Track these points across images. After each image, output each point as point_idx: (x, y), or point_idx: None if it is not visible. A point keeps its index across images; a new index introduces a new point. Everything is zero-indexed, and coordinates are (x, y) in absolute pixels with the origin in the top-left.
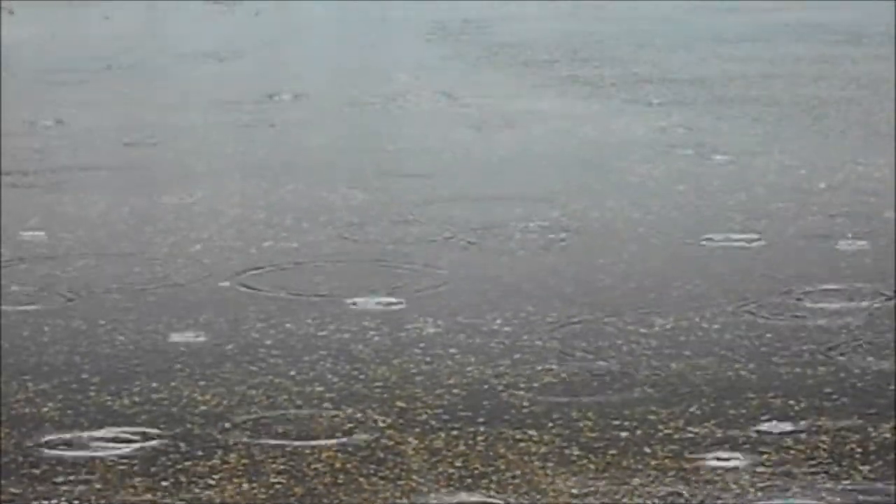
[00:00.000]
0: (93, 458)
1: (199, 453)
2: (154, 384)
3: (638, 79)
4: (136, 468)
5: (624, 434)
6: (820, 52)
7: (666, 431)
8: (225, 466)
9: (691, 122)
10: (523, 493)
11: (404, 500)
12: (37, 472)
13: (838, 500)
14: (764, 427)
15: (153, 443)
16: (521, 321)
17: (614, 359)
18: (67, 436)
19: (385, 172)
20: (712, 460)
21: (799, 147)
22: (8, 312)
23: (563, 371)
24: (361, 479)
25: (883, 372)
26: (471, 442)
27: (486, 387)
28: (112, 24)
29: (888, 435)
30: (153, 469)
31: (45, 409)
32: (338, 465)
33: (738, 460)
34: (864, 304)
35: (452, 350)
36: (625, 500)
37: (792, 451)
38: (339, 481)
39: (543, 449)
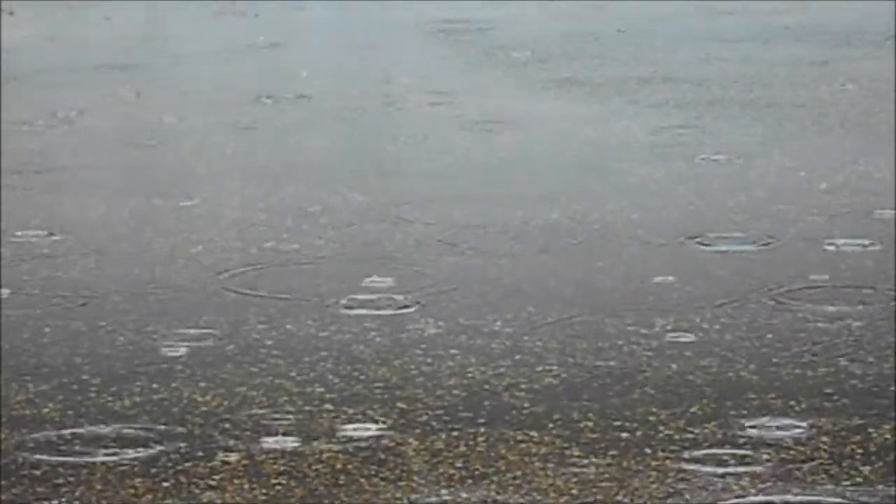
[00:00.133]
0: (93, 460)
1: (200, 454)
2: (154, 385)
3: (638, 80)
4: (136, 469)
5: (624, 435)
6: (820, 53)
7: (666, 432)
8: (225, 467)
9: (691, 124)
10: (524, 493)
11: (405, 501)
12: (37, 473)
13: (839, 501)
14: (764, 428)
15: (153, 444)
16: (521, 322)
17: (615, 360)
18: (68, 437)
19: (385, 174)
20: (713, 461)
21: (799, 148)
22: (8, 313)
23: (564, 372)
24: (362, 480)
25: (883, 373)
26: (471, 443)
27: (486, 388)
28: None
29: (889, 436)
30: (153, 470)
31: (46, 410)
32: (338, 466)
33: (738, 461)
34: (865, 305)
35: (453, 351)
36: (625, 500)
37: (792, 452)
38: (340, 482)
39: (544, 450)
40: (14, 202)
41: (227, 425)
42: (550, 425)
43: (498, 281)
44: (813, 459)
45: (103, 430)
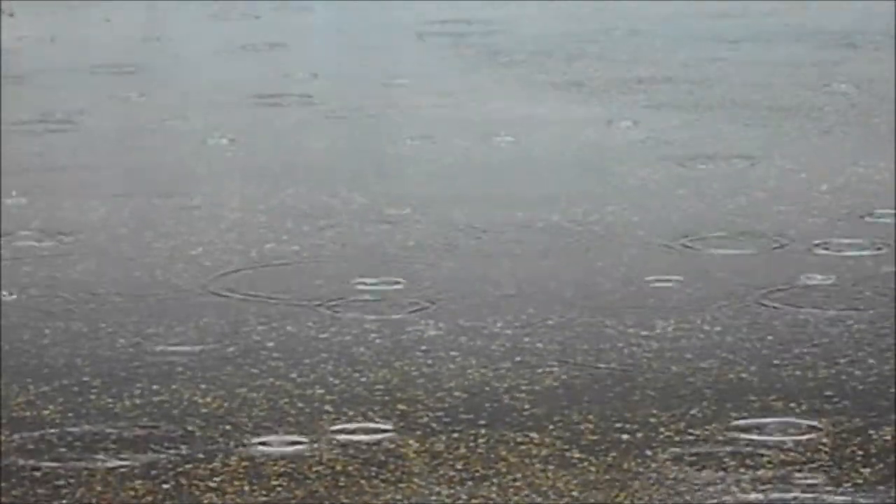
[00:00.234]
0: (94, 461)
1: (200, 456)
2: (155, 387)
3: (638, 81)
4: (136, 471)
5: (625, 436)
6: (820, 54)
7: (667, 434)
8: (226, 469)
9: (691, 125)
10: (524, 495)
11: (405, 503)
12: (37, 475)
13: (839, 502)
14: (765, 430)
15: (153, 446)
16: (521, 324)
17: (615, 361)
18: (68, 439)
19: (385, 175)
20: (713, 463)
21: (799, 150)
22: (8, 314)
23: (564, 374)
24: (363, 482)
25: (884, 375)
26: (472, 444)
27: (487, 389)
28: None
29: (889, 438)
30: (154, 472)
31: (46, 412)
32: (339, 467)
33: (739, 463)
34: (865, 306)
35: (453, 353)
36: (626, 502)
37: (793, 454)
38: (341, 484)
39: (544, 451)
40: (14, 204)
41: (228, 427)
42: (551, 427)
43: (498, 282)
44: (813, 461)
45: (104, 431)
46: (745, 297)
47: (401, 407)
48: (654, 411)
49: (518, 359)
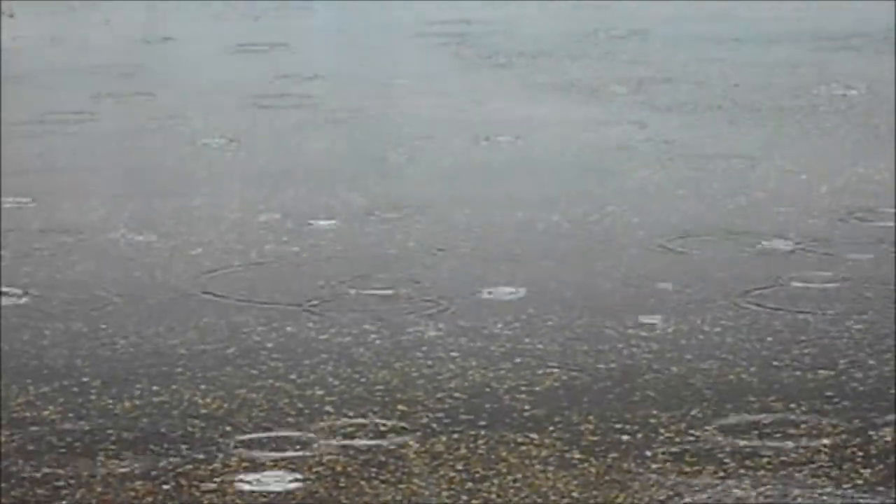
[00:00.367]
0: (94, 461)
1: (200, 457)
2: (155, 387)
3: (638, 82)
4: (136, 472)
5: (625, 437)
6: (820, 54)
7: (667, 435)
8: (226, 470)
9: (691, 126)
10: (524, 495)
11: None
12: (38, 475)
13: (839, 503)
14: (765, 430)
15: (153, 446)
16: (521, 325)
17: (615, 362)
18: (68, 439)
19: (385, 176)
20: (713, 463)
21: (799, 151)
22: (8, 315)
23: (564, 374)
24: (363, 483)
25: (883, 376)
26: (472, 445)
27: (487, 390)
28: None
29: (889, 439)
30: (154, 472)
31: (46, 412)
32: (339, 468)
33: (738, 464)
34: (866, 307)
35: (453, 353)
36: (626, 502)
37: (793, 455)
38: (341, 484)
39: (544, 452)
40: (15, 204)
41: (228, 427)
42: (551, 428)
43: (498, 283)
44: (813, 462)
45: (104, 432)
46: (744, 298)
47: (401, 407)
48: (654, 412)
49: (518, 360)
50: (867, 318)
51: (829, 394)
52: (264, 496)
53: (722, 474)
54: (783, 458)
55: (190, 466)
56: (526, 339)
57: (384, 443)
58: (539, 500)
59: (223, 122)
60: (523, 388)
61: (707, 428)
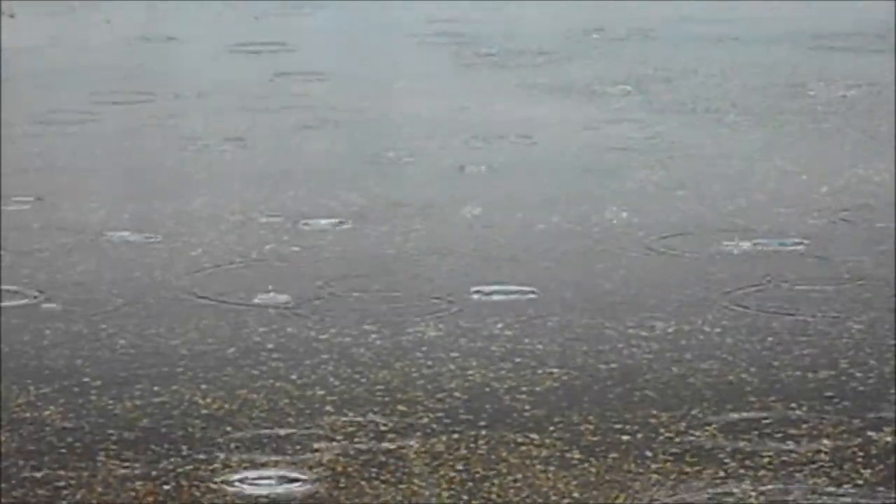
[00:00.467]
0: (94, 462)
1: (201, 457)
2: (155, 388)
3: (638, 82)
4: (137, 472)
5: (625, 438)
6: (819, 54)
7: (667, 435)
8: (226, 470)
9: (691, 126)
10: (525, 496)
11: None
12: (38, 476)
13: (839, 503)
14: (765, 430)
15: (154, 447)
16: (521, 325)
17: (615, 363)
18: (69, 440)
19: (385, 177)
20: (714, 464)
21: (799, 151)
22: (9, 315)
23: (564, 375)
24: (363, 483)
25: (884, 376)
26: (472, 446)
27: (487, 391)
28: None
29: (889, 439)
30: (154, 473)
31: (47, 413)
32: (339, 468)
33: (739, 464)
34: (866, 307)
35: (453, 354)
36: (626, 503)
37: (793, 455)
38: (341, 485)
39: (545, 453)
40: (15, 205)
41: (228, 428)
42: (551, 428)
43: (498, 283)
44: (813, 462)
45: (104, 432)
46: (744, 298)
47: (401, 408)
48: (654, 412)
49: (518, 360)
50: (867, 319)
51: (829, 394)
52: (265, 497)
53: (722, 474)
54: (783, 458)
55: (190, 467)
56: (526, 339)
57: (384, 443)
58: (539, 501)
59: (223, 122)
60: (523, 389)
61: (707, 428)
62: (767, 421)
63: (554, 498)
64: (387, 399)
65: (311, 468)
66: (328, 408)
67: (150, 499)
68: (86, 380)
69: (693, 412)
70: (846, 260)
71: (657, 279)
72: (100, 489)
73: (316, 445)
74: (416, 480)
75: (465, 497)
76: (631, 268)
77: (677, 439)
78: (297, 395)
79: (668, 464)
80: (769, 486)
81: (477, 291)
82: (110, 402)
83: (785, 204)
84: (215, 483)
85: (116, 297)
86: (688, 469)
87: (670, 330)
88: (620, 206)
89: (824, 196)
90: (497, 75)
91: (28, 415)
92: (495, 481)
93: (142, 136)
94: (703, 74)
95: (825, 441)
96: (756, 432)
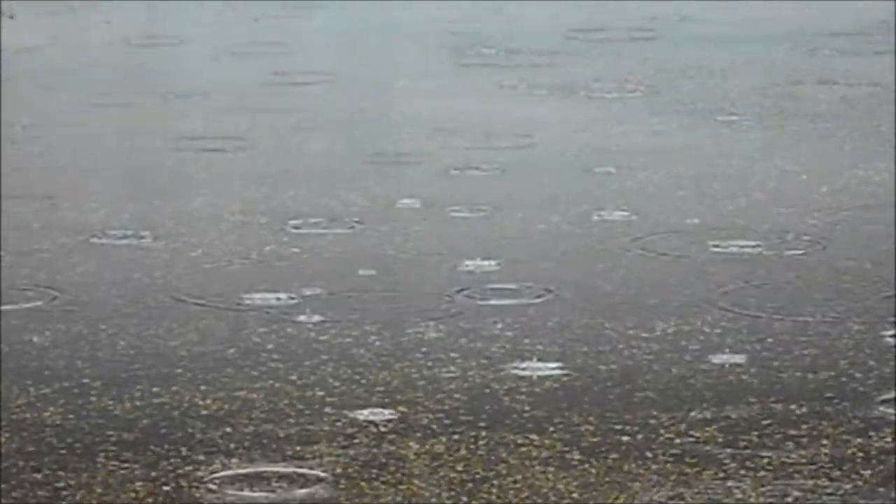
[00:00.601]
0: (94, 463)
1: (201, 458)
2: (155, 389)
3: (638, 82)
4: (137, 473)
5: (625, 438)
6: (820, 54)
7: (667, 436)
8: (226, 471)
9: (691, 127)
10: (525, 497)
11: None
12: (38, 476)
13: (839, 503)
14: (765, 430)
15: (154, 447)
16: (521, 326)
17: (615, 363)
18: (69, 440)
19: (385, 177)
20: (714, 465)
21: (799, 152)
22: (9, 316)
23: (564, 375)
24: (363, 484)
25: (883, 376)
26: (472, 446)
27: (487, 391)
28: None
29: (889, 439)
30: (154, 474)
31: (47, 414)
32: (339, 469)
33: (738, 464)
34: (865, 308)
35: (453, 354)
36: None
37: (793, 456)
38: (341, 486)
39: (545, 453)
40: (15, 206)
41: (228, 429)
42: (551, 429)
43: (498, 284)
44: (813, 462)
45: (104, 433)
46: (745, 299)
47: (401, 409)
48: (654, 413)
49: (518, 361)
50: (867, 319)
51: (829, 394)
52: (265, 498)
53: (722, 475)
54: (783, 459)
55: (190, 467)
56: (526, 339)
57: (384, 443)
58: (539, 501)
59: (223, 122)
60: (523, 389)
61: (707, 428)
62: (767, 421)
63: (554, 498)
64: (387, 400)
65: (310, 468)
66: (328, 408)
67: (150, 499)
68: (86, 380)
69: (693, 413)
70: (846, 260)
71: (657, 279)
72: (100, 490)
73: (316, 445)
74: (415, 481)
75: (465, 497)
76: (631, 268)
77: (677, 440)
78: (297, 395)
79: (668, 464)
80: (769, 486)
81: (477, 292)
82: (110, 402)
83: (785, 204)
84: (215, 483)
85: (116, 297)
86: (688, 469)
87: (670, 330)
88: (620, 206)
89: (824, 196)
90: (497, 75)
91: (28, 415)
92: (495, 482)
93: (142, 136)
94: (703, 74)
95: (825, 441)
96: (756, 432)
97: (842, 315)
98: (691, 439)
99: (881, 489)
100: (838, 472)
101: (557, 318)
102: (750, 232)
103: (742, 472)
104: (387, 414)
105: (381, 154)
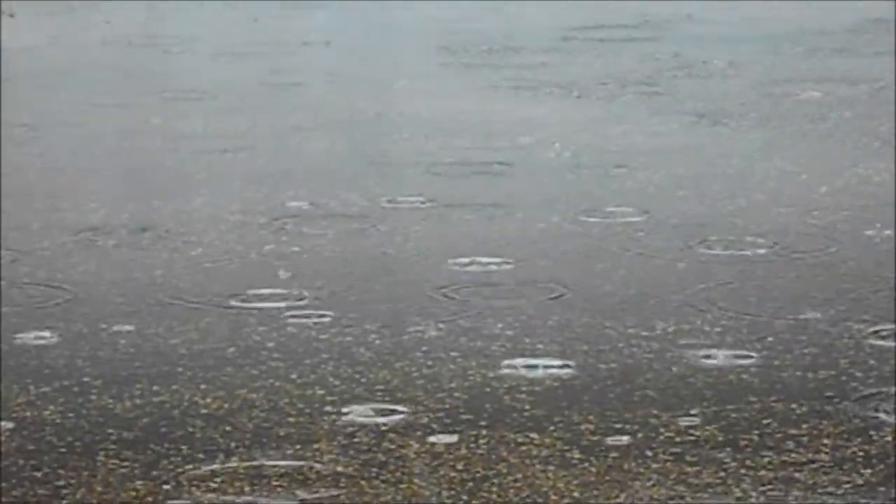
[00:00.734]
0: (94, 461)
1: (201, 457)
2: (155, 387)
3: (638, 82)
4: (137, 472)
5: (625, 438)
6: (820, 54)
7: (667, 435)
8: (226, 470)
9: (691, 127)
10: (525, 495)
11: None
12: (38, 475)
13: (839, 503)
14: (765, 430)
15: (154, 446)
16: (521, 324)
17: (615, 363)
18: (69, 439)
19: (385, 177)
20: (714, 464)
21: (799, 152)
22: (8, 315)
23: (564, 375)
24: (363, 483)
25: (883, 376)
26: (472, 445)
27: (487, 390)
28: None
29: (889, 438)
30: (154, 473)
31: (47, 412)
32: (339, 468)
33: (739, 464)
34: (865, 307)
35: (454, 353)
36: (626, 503)
37: (793, 455)
38: (341, 485)
39: (545, 452)
40: (15, 206)
41: (228, 428)
42: (551, 427)
43: (498, 284)
44: (813, 462)
45: (104, 432)
46: (744, 298)
47: (401, 408)
48: (654, 412)
49: (518, 360)
50: (867, 318)
51: (829, 394)
52: (265, 496)
53: (722, 474)
54: (783, 458)
55: (190, 466)
56: (526, 339)
57: (384, 443)
58: (539, 500)
59: (223, 122)
60: (523, 388)
61: (707, 428)
62: (767, 421)
63: (554, 498)
64: (387, 398)
65: (310, 467)
66: (328, 408)
67: (150, 498)
68: (86, 379)
69: (693, 412)
70: (846, 260)
71: (657, 279)
72: (100, 489)
73: (316, 444)
74: (415, 480)
75: (465, 497)
76: (631, 268)
77: (677, 439)
78: (298, 394)
79: (668, 463)
80: (769, 486)
81: (477, 291)
82: (110, 401)
83: (785, 204)
84: (215, 482)
85: (116, 296)
86: (688, 469)
87: (670, 330)
88: (620, 206)
89: (824, 196)
90: (497, 75)
91: (28, 414)
92: (495, 481)
93: (142, 136)
94: (703, 74)
95: (825, 441)
96: (756, 432)
97: (842, 315)
98: (691, 438)
99: (881, 489)
100: (838, 472)
101: (557, 317)
102: (750, 232)
103: (742, 471)
104: (387, 413)
105: (381, 154)
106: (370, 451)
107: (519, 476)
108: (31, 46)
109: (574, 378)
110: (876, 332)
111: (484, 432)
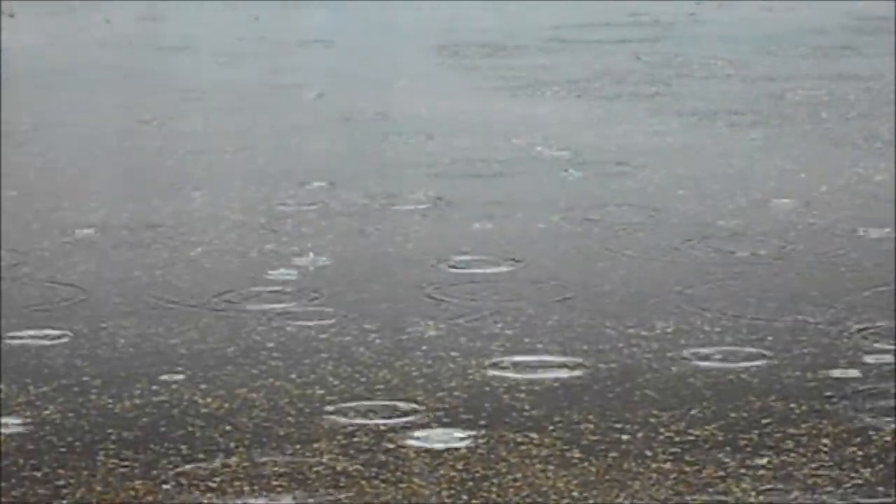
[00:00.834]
0: (94, 461)
1: (201, 456)
2: (155, 387)
3: (637, 82)
4: (136, 471)
5: (625, 437)
6: (820, 54)
7: (667, 434)
8: (226, 469)
9: (692, 126)
10: (524, 495)
11: (406, 503)
12: (38, 475)
13: (839, 502)
14: (765, 430)
15: (154, 446)
16: (521, 324)
17: (615, 363)
18: (69, 439)
19: (385, 176)
20: (713, 463)
21: (799, 151)
22: (9, 315)
23: (564, 374)
24: (363, 482)
25: (883, 376)
26: (472, 445)
27: (487, 390)
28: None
29: (889, 439)
30: (154, 472)
31: (47, 412)
32: (339, 468)
33: (739, 464)
34: (864, 307)
35: (454, 353)
36: (626, 502)
37: (793, 455)
38: (341, 484)
39: (544, 452)
40: (15, 206)
41: (228, 427)
42: (551, 427)
43: (499, 284)
44: (813, 462)
45: (104, 432)
46: (744, 298)
47: (401, 408)
48: (654, 412)
49: (518, 359)
50: (867, 318)
51: (828, 394)
52: (264, 496)
53: (722, 474)
54: (783, 458)
55: (190, 466)
56: (526, 339)
57: (384, 443)
58: (539, 500)
59: (223, 122)
60: (523, 388)
61: (707, 428)
62: (767, 421)
63: (554, 497)
64: (387, 399)
65: (310, 467)
66: (328, 408)
67: (150, 498)
68: (85, 378)
69: (693, 412)
70: (846, 260)
71: (657, 279)
72: (99, 488)
73: (316, 445)
74: (415, 480)
75: (465, 496)
76: (631, 268)
77: (677, 439)
78: (297, 395)
79: (668, 463)
80: (769, 486)
81: (477, 291)
82: (110, 401)
83: (785, 204)
84: (215, 482)
85: (116, 296)
86: (688, 469)
87: (670, 329)
88: (620, 206)
89: (824, 195)
90: (497, 75)
91: (28, 413)
92: (495, 480)
93: (142, 136)
94: (703, 74)
95: (825, 441)
96: (756, 432)
97: (842, 315)
98: (691, 437)
99: (880, 489)
100: (838, 472)
101: (557, 317)
102: (750, 231)
103: (742, 471)
104: (387, 412)
105: (381, 154)
106: (370, 450)
107: (519, 475)
108: (31, 46)
109: (574, 378)
110: (875, 332)
111: (483, 432)
